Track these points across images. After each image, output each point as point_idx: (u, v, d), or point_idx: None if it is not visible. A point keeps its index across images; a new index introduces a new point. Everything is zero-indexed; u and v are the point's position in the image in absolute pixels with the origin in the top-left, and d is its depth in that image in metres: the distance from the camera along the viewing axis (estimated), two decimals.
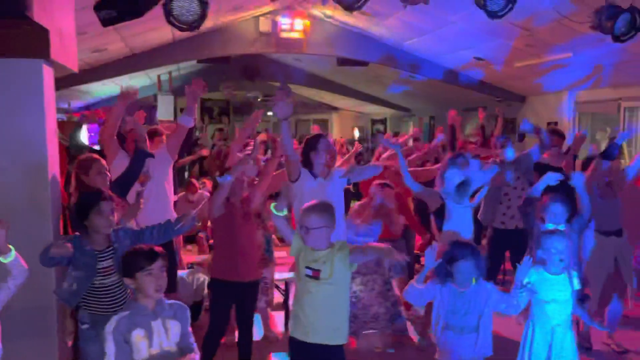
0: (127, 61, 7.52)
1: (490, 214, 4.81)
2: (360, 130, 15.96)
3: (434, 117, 12.60)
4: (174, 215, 4.13)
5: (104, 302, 2.87)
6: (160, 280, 2.38)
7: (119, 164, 3.85)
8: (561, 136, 5.22)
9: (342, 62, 8.49)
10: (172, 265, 3.80)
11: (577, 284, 3.02)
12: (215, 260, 3.77)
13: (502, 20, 5.85)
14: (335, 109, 15.98)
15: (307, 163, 3.90)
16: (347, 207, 4.92)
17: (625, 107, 7.19)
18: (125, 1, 3.42)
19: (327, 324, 2.78)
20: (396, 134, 11.68)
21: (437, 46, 7.55)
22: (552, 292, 3.00)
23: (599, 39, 4.94)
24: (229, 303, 3.69)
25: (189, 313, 2.53)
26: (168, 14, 3.52)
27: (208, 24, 7.46)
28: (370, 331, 4.37)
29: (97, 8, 3.43)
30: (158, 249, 2.44)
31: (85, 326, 2.88)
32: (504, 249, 4.84)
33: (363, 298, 4.33)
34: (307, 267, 2.77)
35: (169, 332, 2.42)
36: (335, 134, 15.37)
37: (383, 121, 15.46)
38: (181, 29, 3.61)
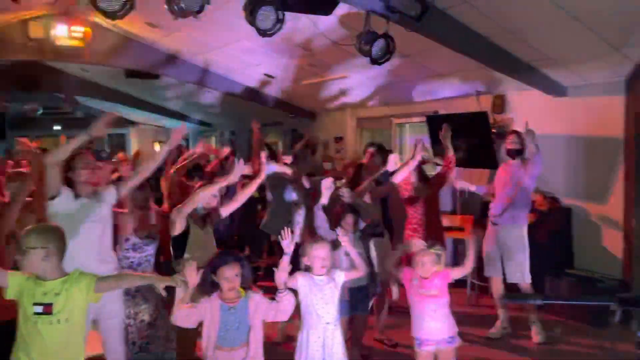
0: None
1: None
2: (162, 145, 15.35)
3: (235, 132, 12.74)
4: None
5: None
6: None
7: None
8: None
9: (131, 73, 8.05)
10: None
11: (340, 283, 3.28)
12: None
13: (285, 41, 6.17)
14: (132, 122, 15.12)
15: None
16: None
17: (396, 124, 8.09)
18: None
19: None
20: None
21: (226, 62, 7.60)
22: (319, 294, 3.19)
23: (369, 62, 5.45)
24: None
25: None
26: None
27: None
28: None
29: None
30: None
31: None
32: None
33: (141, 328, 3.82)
34: (36, 304, 2.41)
35: None
36: (134, 149, 14.52)
37: (185, 135, 15.08)
38: None
